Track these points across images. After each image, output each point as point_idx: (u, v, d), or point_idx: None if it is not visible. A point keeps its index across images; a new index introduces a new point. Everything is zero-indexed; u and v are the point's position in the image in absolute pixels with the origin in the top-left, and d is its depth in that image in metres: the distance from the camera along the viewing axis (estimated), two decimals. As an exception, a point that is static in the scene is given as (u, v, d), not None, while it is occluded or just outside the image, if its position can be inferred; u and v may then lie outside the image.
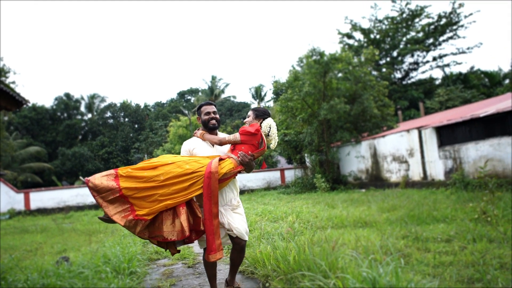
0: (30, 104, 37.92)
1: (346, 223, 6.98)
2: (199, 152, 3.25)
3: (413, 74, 32.63)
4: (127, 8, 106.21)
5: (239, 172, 3.13)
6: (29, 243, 8.43)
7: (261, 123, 3.23)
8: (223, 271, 4.47)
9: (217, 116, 3.36)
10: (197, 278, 4.30)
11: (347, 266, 3.13)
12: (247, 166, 3.09)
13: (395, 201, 9.60)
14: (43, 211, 20.48)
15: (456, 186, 11.35)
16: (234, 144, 3.16)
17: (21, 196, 20.80)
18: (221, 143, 3.23)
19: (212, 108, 3.36)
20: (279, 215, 8.13)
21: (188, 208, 2.98)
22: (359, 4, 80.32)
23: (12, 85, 26.50)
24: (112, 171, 2.95)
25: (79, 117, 46.33)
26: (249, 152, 3.08)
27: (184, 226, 2.85)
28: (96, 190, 2.85)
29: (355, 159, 18.61)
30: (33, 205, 20.77)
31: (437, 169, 13.45)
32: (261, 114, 3.28)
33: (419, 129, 14.30)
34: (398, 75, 32.61)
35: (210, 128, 3.33)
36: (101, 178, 2.88)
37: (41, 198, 21.02)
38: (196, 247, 6.08)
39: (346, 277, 2.68)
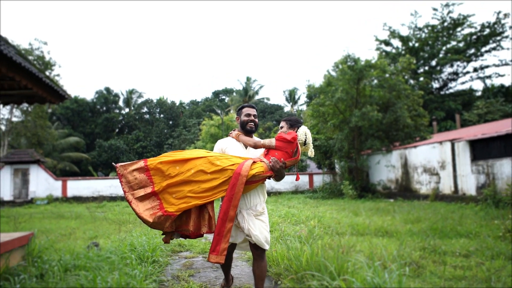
0: (72, 97, 39.71)
1: (367, 231, 7.02)
2: (231, 152, 3.22)
3: (451, 84, 31.71)
4: (169, 8, 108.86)
5: (268, 177, 3.04)
6: (64, 228, 8.96)
7: (296, 131, 3.14)
8: (239, 267, 4.67)
9: (256, 120, 3.34)
10: (215, 271, 4.52)
11: (357, 270, 3.25)
12: (277, 173, 2.98)
13: (420, 213, 9.50)
14: (78, 199, 21.45)
15: (487, 202, 11.05)
16: (268, 149, 3.09)
17: (59, 184, 21.88)
18: (256, 146, 3.18)
19: (253, 111, 3.35)
20: (302, 218, 8.25)
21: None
22: (398, 11, 78.70)
23: (56, 78, 27.93)
24: (142, 164, 2.90)
25: (117, 111, 48.04)
26: (282, 159, 2.97)
27: (212, 221, 2.88)
28: (129, 186, 2.86)
29: (385, 168, 18.38)
30: (70, 193, 21.81)
31: (469, 183, 13.11)
32: (295, 123, 3.19)
33: (453, 142, 13.99)
34: (436, 85, 31.78)
35: (246, 130, 3.30)
36: (133, 173, 2.86)
37: (78, 187, 22.03)
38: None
39: (351, 280, 2.81)
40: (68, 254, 4.69)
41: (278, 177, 3.04)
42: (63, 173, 34.10)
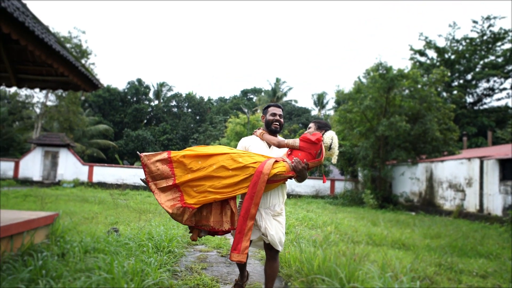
0: (104, 86, 40.79)
1: (384, 242, 6.94)
2: (254, 150, 3.22)
3: (486, 100, 30.72)
4: (206, 6, 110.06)
5: (290, 177, 3.00)
6: (87, 211, 9.26)
7: (323, 134, 3.11)
8: (252, 265, 4.73)
9: (282, 120, 3.32)
10: (227, 266, 4.61)
11: (367, 279, 3.26)
12: (299, 173, 2.94)
13: (441, 229, 9.31)
14: (103, 185, 22.04)
15: (514, 224, 10.71)
16: (292, 149, 3.06)
17: (86, 169, 22.56)
18: (280, 145, 3.15)
19: (279, 111, 3.34)
20: (319, 223, 8.24)
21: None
22: (436, 22, 76.82)
23: (91, 66, 28.77)
24: (165, 155, 2.94)
25: (146, 102, 49.04)
26: (304, 160, 2.93)
27: (235, 217, 2.88)
28: (151, 176, 2.90)
29: (409, 180, 18.04)
30: (95, 178, 22.45)
31: (495, 203, 12.72)
32: (323, 126, 3.18)
33: (482, 159, 13.60)
34: (470, 99, 30.87)
35: (271, 130, 3.30)
36: (156, 163, 2.90)
37: (103, 173, 22.65)
38: (232, 239, 6.40)
39: (360, 288, 2.82)
40: (89, 237, 4.87)
41: (300, 178, 3.02)
42: (91, 159, 35.09)
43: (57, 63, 4.90)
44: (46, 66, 5.75)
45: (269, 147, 3.29)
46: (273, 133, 3.32)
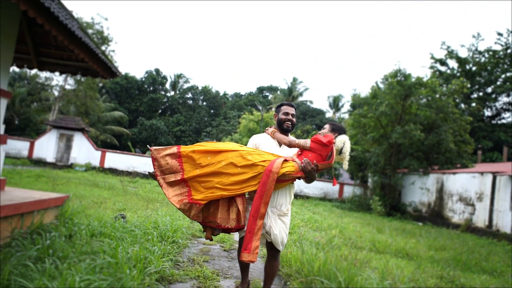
0: (122, 74, 41.29)
1: (387, 250, 6.93)
2: (265, 148, 3.20)
3: (505, 115, 30.16)
4: (229, 3, 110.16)
5: (298, 178, 3.00)
6: (96, 196, 9.43)
7: (335, 137, 3.08)
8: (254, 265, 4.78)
9: (294, 119, 3.30)
10: (229, 261, 4.67)
11: (365, 285, 3.28)
12: (308, 174, 2.94)
13: (447, 241, 9.23)
14: (114, 171, 22.34)
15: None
16: (302, 150, 3.04)
17: (98, 154, 22.89)
18: (290, 144, 3.13)
19: (292, 110, 3.31)
20: (324, 226, 8.25)
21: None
22: (460, 31, 75.59)
23: (111, 53, 29.11)
24: (175, 150, 2.97)
25: (163, 92, 49.41)
26: (314, 161, 2.92)
27: (241, 215, 2.87)
28: (160, 170, 2.93)
29: (419, 190, 17.87)
30: (107, 164, 22.76)
31: (505, 220, 12.54)
32: (337, 129, 3.16)
33: (495, 174, 13.40)
34: (488, 113, 30.36)
35: (283, 129, 3.28)
36: (166, 158, 2.93)
37: (115, 159, 22.96)
38: (236, 234, 6.46)
39: (357, 293, 2.85)
40: (97, 221, 4.99)
41: (309, 179, 3.01)
42: (104, 145, 35.55)
43: (78, 49, 5.01)
44: (67, 51, 5.89)
45: (280, 146, 3.27)
46: (285, 132, 3.30)
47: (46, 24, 4.24)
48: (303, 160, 2.92)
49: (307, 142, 3.02)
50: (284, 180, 2.93)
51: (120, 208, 7.76)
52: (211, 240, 3.14)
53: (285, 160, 2.95)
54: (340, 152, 3.04)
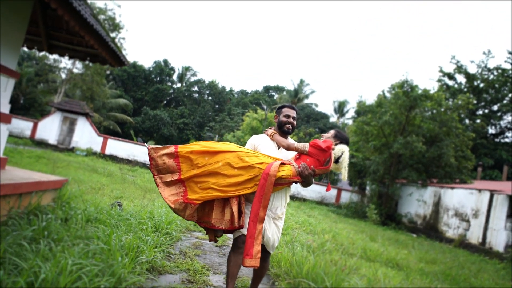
0: (130, 63, 41.34)
1: (378, 259, 6.97)
2: (263, 150, 3.18)
3: (509, 133, 30.13)
4: (240, 3, 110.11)
5: (295, 182, 2.97)
6: (94, 182, 9.49)
7: (335, 145, 3.08)
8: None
9: (294, 122, 3.26)
10: (220, 257, 4.72)
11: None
12: (305, 179, 2.91)
13: (439, 255, 9.28)
14: (114, 158, 22.44)
15: (513, 262, 10.59)
16: (301, 154, 3.03)
17: (100, 140, 22.98)
18: (289, 148, 3.09)
19: (293, 113, 3.27)
20: (317, 230, 8.30)
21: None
22: (470, 47, 75.39)
23: (121, 41, 29.16)
24: (172, 149, 2.96)
25: (169, 84, 49.48)
26: (312, 166, 2.90)
27: (235, 216, 2.83)
28: (157, 169, 2.93)
29: (416, 202, 17.92)
30: (108, 150, 22.86)
31: (499, 239, 12.57)
32: (340, 137, 3.13)
33: (492, 192, 13.43)
34: (492, 130, 30.32)
35: (283, 131, 3.24)
36: (163, 157, 2.93)
37: (116, 147, 23.04)
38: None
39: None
40: (93, 207, 5.05)
41: (305, 183, 2.98)
42: (106, 131, 35.67)
43: (89, 36, 5.06)
44: (78, 37, 5.94)
45: (278, 148, 3.24)
46: (285, 134, 3.26)
47: (60, 9, 4.29)
48: (300, 165, 2.89)
49: (305, 146, 3.00)
50: (281, 184, 2.91)
51: (117, 196, 7.81)
52: (216, 241, 3.12)
53: (282, 164, 2.93)
54: (337, 160, 3.03)
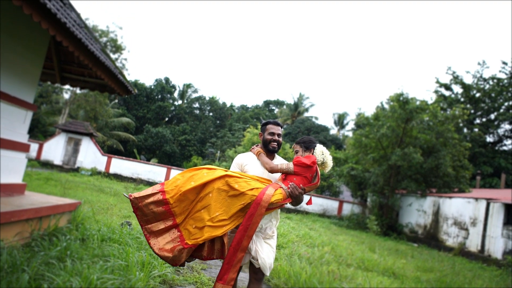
0: (132, 81, 42.05)
1: (375, 268, 7.30)
2: (250, 169, 3.05)
3: (507, 142, 30.50)
4: (238, 14, 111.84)
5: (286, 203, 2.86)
6: (103, 202, 9.88)
7: (313, 153, 2.98)
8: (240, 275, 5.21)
9: (280, 139, 3.12)
10: (225, 271, 5.10)
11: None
12: (295, 199, 2.82)
13: (436, 263, 9.58)
14: (118, 177, 22.84)
15: (509, 269, 10.87)
16: (286, 174, 2.93)
17: (104, 159, 23.42)
18: (272, 170, 2.97)
19: (277, 130, 3.12)
20: (317, 242, 8.64)
21: None
22: (465, 58, 76.27)
23: (123, 61, 29.84)
24: (159, 197, 2.72)
25: (170, 101, 50.19)
26: (301, 185, 2.83)
27: (225, 247, 2.72)
28: (146, 220, 2.71)
29: (416, 212, 18.21)
30: (112, 170, 23.28)
31: (497, 246, 12.86)
32: (309, 144, 3.02)
33: (488, 201, 13.76)
34: (490, 139, 30.70)
35: (268, 150, 3.10)
36: (150, 206, 2.70)
37: (120, 165, 23.47)
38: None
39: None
40: (106, 227, 5.45)
41: (296, 202, 2.87)
42: (110, 150, 36.16)
43: (98, 69, 5.52)
44: (88, 69, 6.43)
45: None
46: (271, 152, 3.13)
47: (71, 46, 4.72)
48: (289, 186, 2.82)
49: (289, 165, 2.93)
50: (271, 208, 2.81)
51: (126, 215, 8.19)
52: (184, 265, 2.90)
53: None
54: (323, 163, 2.97)
